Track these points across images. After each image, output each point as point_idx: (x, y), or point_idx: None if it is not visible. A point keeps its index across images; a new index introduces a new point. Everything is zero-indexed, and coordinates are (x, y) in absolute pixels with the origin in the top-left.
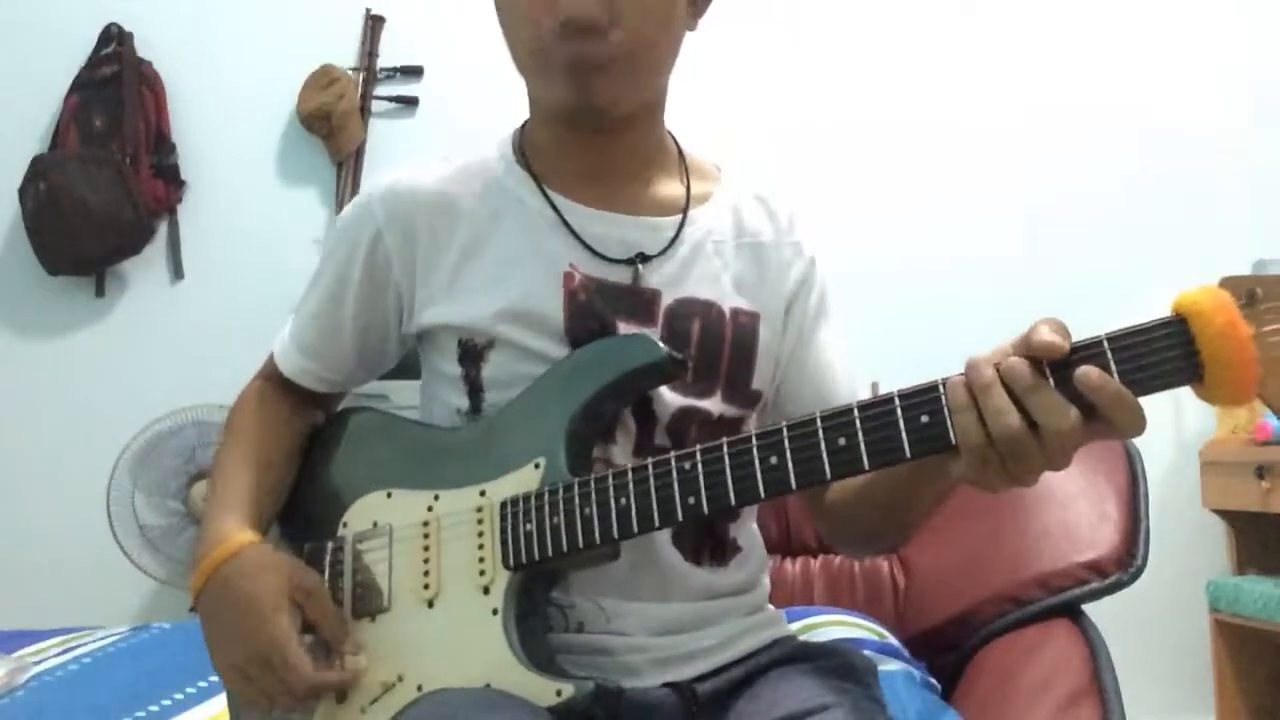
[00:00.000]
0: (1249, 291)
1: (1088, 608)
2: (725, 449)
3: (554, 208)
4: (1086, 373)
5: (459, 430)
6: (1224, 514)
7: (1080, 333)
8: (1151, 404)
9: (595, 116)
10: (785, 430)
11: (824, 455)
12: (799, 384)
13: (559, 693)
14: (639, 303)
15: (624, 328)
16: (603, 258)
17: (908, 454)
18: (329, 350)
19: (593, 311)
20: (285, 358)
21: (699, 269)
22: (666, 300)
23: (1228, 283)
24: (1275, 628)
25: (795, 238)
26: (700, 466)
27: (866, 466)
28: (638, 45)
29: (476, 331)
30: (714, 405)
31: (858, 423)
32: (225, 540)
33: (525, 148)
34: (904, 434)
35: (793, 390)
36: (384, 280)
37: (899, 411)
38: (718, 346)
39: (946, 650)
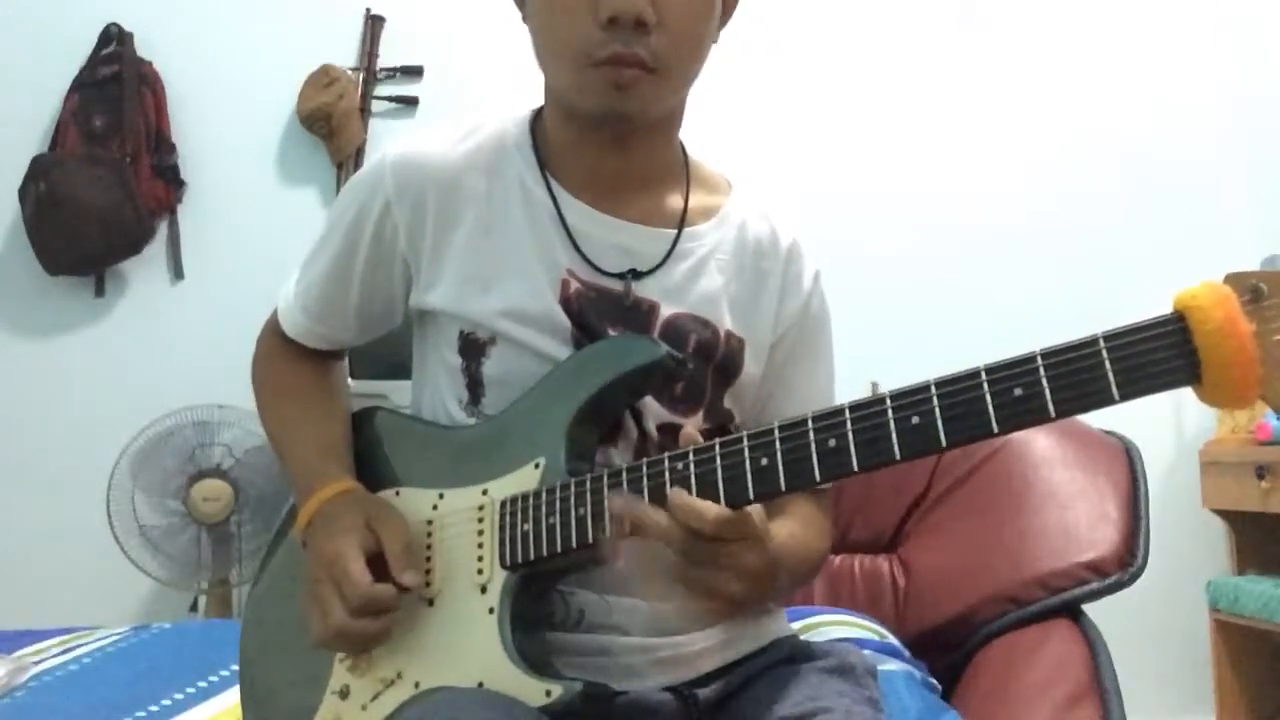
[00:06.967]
0: (1253, 288)
1: (1088, 608)
2: (717, 449)
3: (556, 205)
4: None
5: (464, 429)
6: (1224, 514)
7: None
8: (1152, 404)
9: (621, 122)
10: (777, 431)
11: (814, 457)
12: (774, 414)
13: (548, 693)
14: (637, 313)
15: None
16: (597, 269)
17: (898, 456)
18: (332, 313)
19: (587, 320)
20: (288, 316)
21: (701, 285)
22: (665, 313)
23: (1232, 279)
24: (1275, 628)
25: (795, 270)
26: (692, 467)
27: (856, 468)
28: (677, 52)
29: (480, 326)
30: (695, 424)
31: (848, 424)
32: (325, 485)
33: (539, 135)
34: (894, 435)
35: (766, 420)
36: (391, 250)
37: (889, 412)
38: (707, 367)
39: (947, 650)
